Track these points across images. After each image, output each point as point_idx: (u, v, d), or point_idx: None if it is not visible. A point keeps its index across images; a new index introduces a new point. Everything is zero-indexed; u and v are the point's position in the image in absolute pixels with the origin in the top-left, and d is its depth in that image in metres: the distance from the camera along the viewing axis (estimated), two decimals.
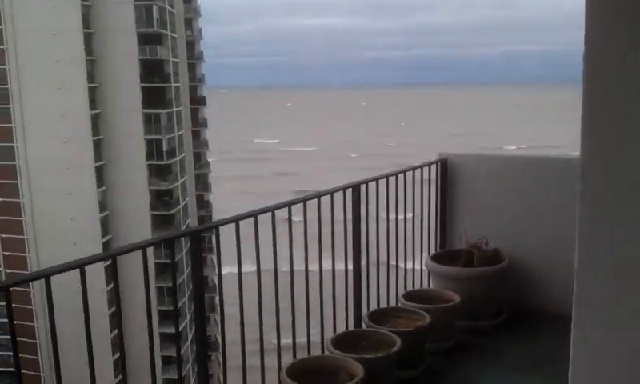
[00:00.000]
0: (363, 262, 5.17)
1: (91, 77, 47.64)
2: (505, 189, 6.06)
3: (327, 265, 4.70)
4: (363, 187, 5.08)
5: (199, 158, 60.20)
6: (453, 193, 6.24)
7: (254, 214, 4.08)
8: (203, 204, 61.02)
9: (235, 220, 4.00)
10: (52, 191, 48.55)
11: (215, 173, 68.20)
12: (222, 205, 64.13)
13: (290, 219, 4.35)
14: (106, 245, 49.97)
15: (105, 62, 47.62)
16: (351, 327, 5.10)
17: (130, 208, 49.57)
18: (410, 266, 5.79)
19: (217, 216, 64.44)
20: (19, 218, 57.85)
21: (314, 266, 4.50)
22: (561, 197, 5.83)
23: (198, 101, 58.70)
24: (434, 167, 6.14)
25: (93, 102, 47.97)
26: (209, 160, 61.92)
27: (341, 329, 4.87)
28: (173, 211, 50.68)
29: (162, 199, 50.41)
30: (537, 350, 5.35)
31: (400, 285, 5.71)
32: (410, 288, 5.81)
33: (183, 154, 54.26)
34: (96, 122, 48.34)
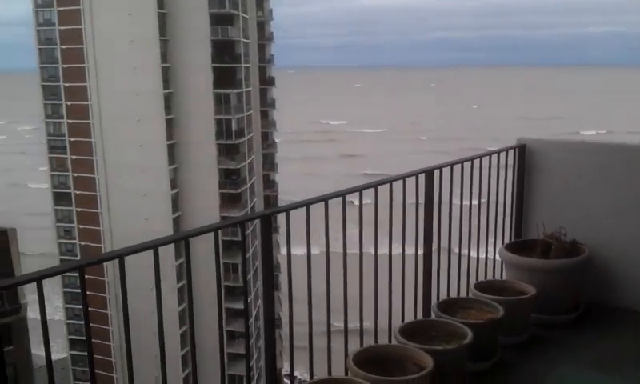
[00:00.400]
0: (434, 250, 5.01)
1: (164, 57, 48.55)
2: (586, 177, 5.72)
3: (396, 251, 4.58)
4: (437, 173, 4.91)
5: (266, 138, 60.74)
6: (530, 180, 5.94)
7: (325, 199, 4.01)
8: (269, 184, 61.66)
9: (306, 204, 3.92)
10: (125, 168, 50.04)
11: (282, 154, 68.72)
12: (288, 186, 64.70)
13: (360, 205, 4.25)
14: (175, 221, 51.32)
15: (178, 42, 48.45)
16: (420, 316, 4.95)
17: (199, 186, 50.59)
18: (482, 255, 5.58)
19: (282, 197, 65.01)
20: (94, 193, 60.22)
21: (383, 252, 4.38)
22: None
23: (267, 81, 59.09)
24: (510, 153, 5.86)
25: (166, 82, 48.97)
26: (276, 140, 62.41)
27: (409, 317, 4.74)
28: (240, 190, 51.41)
29: (229, 178, 51.16)
30: (616, 348, 5.07)
31: (472, 274, 5.51)
32: (481, 278, 5.61)
33: (251, 134, 54.84)
34: (168, 102, 49.40)
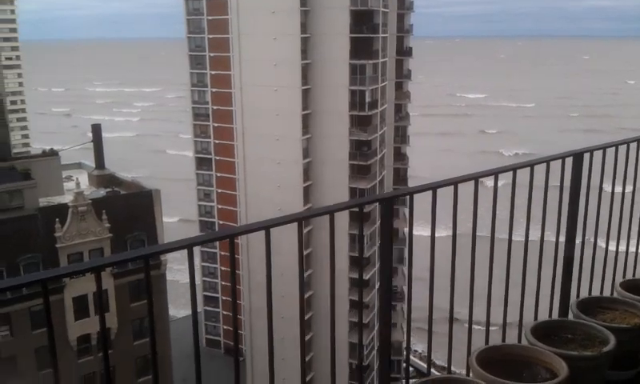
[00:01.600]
0: (578, 241, 4.44)
1: (304, 27, 49.03)
2: None
3: (533, 238, 4.09)
4: (587, 156, 4.32)
5: (400, 110, 59.92)
6: None
7: (455, 182, 3.61)
8: (400, 156, 60.95)
9: (432, 187, 3.56)
10: (262, 136, 51.45)
11: (416, 128, 67.35)
12: (419, 161, 63.44)
13: (495, 190, 3.81)
14: (306, 190, 52.28)
15: (317, 12, 48.69)
16: (555, 316, 4.42)
17: (329, 156, 51.03)
18: (632, 248, 4.92)
19: (412, 172, 64.01)
20: (232, 159, 62.81)
21: (518, 239, 3.91)
22: None
23: (403, 52, 58.08)
24: None
25: (304, 52, 49.54)
26: (409, 112, 61.39)
27: (543, 316, 4.25)
28: (369, 162, 51.23)
29: (360, 149, 51.10)
30: None
31: (618, 270, 4.87)
32: (629, 276, 4.95)
33: (384, 106, 54.33)
34: (305, 72, 49.97)
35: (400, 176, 60.98)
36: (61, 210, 36.68)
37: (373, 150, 51.57)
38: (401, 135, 60.01)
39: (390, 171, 58.81)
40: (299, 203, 51.39)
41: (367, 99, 49.25)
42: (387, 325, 3.75)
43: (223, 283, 70.73)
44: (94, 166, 46.26)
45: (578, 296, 4.47)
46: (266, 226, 3.08)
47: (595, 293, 4.61)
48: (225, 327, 72.23)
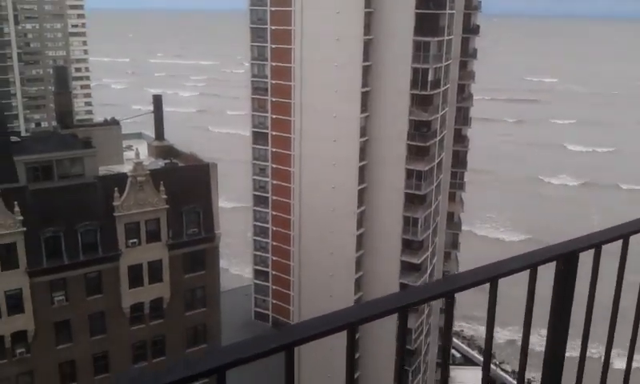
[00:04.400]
0: None
1: (368, 2, 47.73)
2: None
3: None
4: None
5: (462, 91, 58.06)
6: None
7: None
8: (460, 138, 59.18)
9: (623, 235, 2.60)
10: (319, 112, 50.72)
11: (476, 112, 64.89)
12: (474, 149, 61.42)
13: None
14: (361, 169, 51.34)
15: None
16: None
17: (387, 135, 49.82)
18: None
19: (472, 152, 61.89)
20: (289, 135, 62.28)
21: None
22: None
23: (470, 29, 56.03)
24: None
25: (367, 27, 48.22)
26: (472, 93, 59.39)
27: None
28: (429, 143, 49.78)
29: (419, 130, 49.69)
30: None
31: None
32: None
33: (447, 86, 52.59)
34: (367, 48, 48.70)
35: (459, 159, 59.31)
36: (120, 179, 36.94)
37: (432, 131, 50.15)
38: (463, 117, 58.24)
39: (449, 153, 57.22)
40: (354, 182, 50.63)
41: (430, 78, 47.72)
42: None
43: (274, 258, 70.77)
44: (153, 136, 46.48)
45: None
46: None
47: None
48: (274, 301, 72.50)
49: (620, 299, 2.69)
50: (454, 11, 50.64)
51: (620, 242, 2.62)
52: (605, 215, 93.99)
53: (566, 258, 2.44)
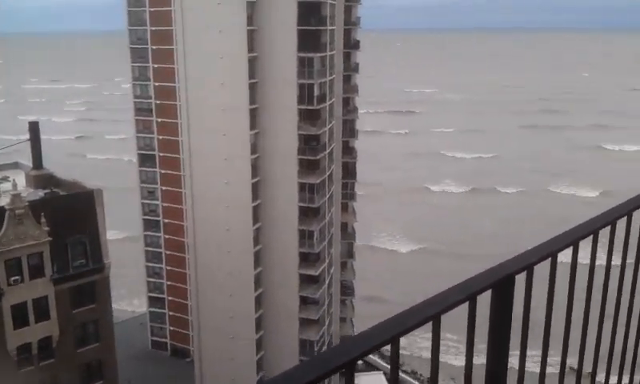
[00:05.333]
0: None
1: (250, 20, 47.83)
2: None
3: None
4: None
5: (347, 104, 59.51)
6: None
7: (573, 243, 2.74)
8: (348, 150, 60.60)
9: (552, 253, 2.63)
10: (208, 131, 50.06)
11: (363, 126, 66.44)
12: (366, 154, 63.01)
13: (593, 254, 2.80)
14: (254, 186, 51.18)
15: (264, 4, 47.60)
16: None
17: (278, 151, 50.11)
18: None
19: (360, 164, 63.61)
20: (177, 156, 61.00)
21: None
22: None
23: (351, 45, 57.59)
24: None
25: (251, 45, 48.27)
26: (357, 106, 61.05)
27: None
28: (319, 156, 50.62)
29: (309, 144, 50.41)
30: None
31: None
32: None
33: (333, 100, 53.69)
34: (252, 66, 48.77)
35: (349, 170, 60.64)
36: None
37: (322, 145, 50.96)
38: (349, 129, 59.65)
39: (339, 165, 58.35)
40: (248, 199, 50.37)
41: (316, 93, 48.56)
42: None
43: (169, 283, 68.84)
44: (31, 165, 43.86)
45: None
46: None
47: None
48: (172, 328, 70.39)
49: (551, 322, 2.71)
50: (334, 27, 51.87)
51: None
52: (493, 220, 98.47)
53: (500, 284, 2.41)
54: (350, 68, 57.75)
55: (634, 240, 3.05)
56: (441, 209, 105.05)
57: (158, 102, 64.76)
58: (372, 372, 65.27)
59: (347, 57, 57.15)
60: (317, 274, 52.18)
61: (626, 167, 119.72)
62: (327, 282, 55.72)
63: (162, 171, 66.08)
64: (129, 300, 78.62)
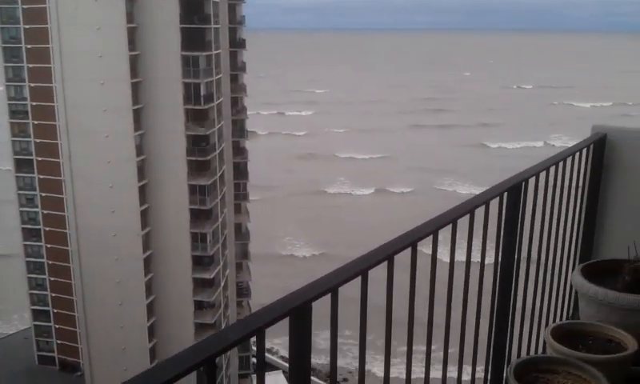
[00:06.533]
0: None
1: (131, 17, 46.17)
2: None
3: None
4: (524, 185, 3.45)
5: (236, 103, 58.80)
6: (609, 182, 4.53)
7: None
8: (239, 151, 59.91)
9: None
10: (89, 133, 47.93)
11: (254, 127, 65.98)
12: (259, 157, 62.77)
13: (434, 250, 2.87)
14: (142, 189, 49.44)
15: (145, 1, 46.11)
16: None
17: (166, 152, 48.77)
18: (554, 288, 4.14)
19: (254, 167, 63.14)
20: (57, 160, 57.63)
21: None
22: None
23: (237, 43, 56.86)
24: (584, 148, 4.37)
25: (132, 44, 46.64)
26: (245, 106, 60.44)
27: None
28: (209, 157, 49.79)
29: (198, 145, 49.50)
30: None
31: (543, 314, 4.03)
32: (551, 319, 4.14)
33: (221, 99, 52.88)
34: (135, 65, 47.16)
35: (240, 171, 59.94)
36: None
37: (211, 145, 50.09)
38: (239, 129, 58.97)
39: (230, 165, 57.56)
40: (135, 203, 48.62)
41: (202, 92, 47.65)
42: None
43: (53, 295, 65.03)
44: None
45: (508, 359, 3.58)
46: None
47: (529, 350, 3.78)
48: (59, 342, 66.58)
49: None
50: (219, 26, 51.03)
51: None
52: (389, 221, 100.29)
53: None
54: (237, 67, 57.06)
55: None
56: (338, 211, 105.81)
57: (34, 103, 60.93)
58: (271, 372, 65.11)
59: (234, 56, 56.40)
60: (211, 276, 51.40)
61: (503, 164, 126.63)
62: (222, 284, 54.88)
63: (41, 176, 62.30)
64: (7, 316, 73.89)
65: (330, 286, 2.30)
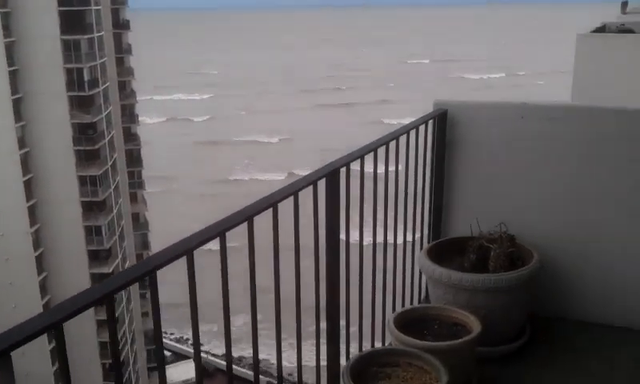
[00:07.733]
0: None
1: (3, 1, 43.30)
2: (533, 153, 4.26)
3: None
4: (343, 171, 3.21)
5: (124, 88, 56.58)
6: (453, 159, 4.39)
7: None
8: (131, 137, 57.77)
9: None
10: None
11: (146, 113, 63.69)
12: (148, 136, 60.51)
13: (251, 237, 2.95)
14: (27, 184, 46.82)
15: None
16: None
17: (51, 144, 46.28)
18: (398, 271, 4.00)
19: (145, 149, 61.05)
20: None
21: None
22: (615, 162, 4.19)
23: (121, 25, 54.45)
24: (430, 123, 4.22)
25: (7, 29, 43.70)
26: (134, 90, 58.22)
27: None
28: (98, 146, 47.71)
29: (85, 133, 47.29)
30: (582, 375, 3.83)
31: (388, 299, 3.88)
32: (401, 304, 4.00)
33: (107, 84, 50.69)
34: (11, 51, 44.28)
35: (134, 158, 57.87)
36: None
37: (100, 133, 47.95)
38: (129, 114, 56.80)
39: (122, 153, 55.46)
40: (21, 199, 45.92)
41: (86, 78, 45.44)
42: None
43: None
44: None
45: (347, 356, 3.38)
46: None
47: (368, 344, 3.61)
48: None
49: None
50: (100, 7, 48.72)
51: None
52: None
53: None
54: (123, 50, 54.72)
55: None
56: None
57: None
58: (181, 361, 64.01)
59: (118, 38, 54.01)
60: (110, 270, 49.59)
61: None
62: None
63: None
64: None
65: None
